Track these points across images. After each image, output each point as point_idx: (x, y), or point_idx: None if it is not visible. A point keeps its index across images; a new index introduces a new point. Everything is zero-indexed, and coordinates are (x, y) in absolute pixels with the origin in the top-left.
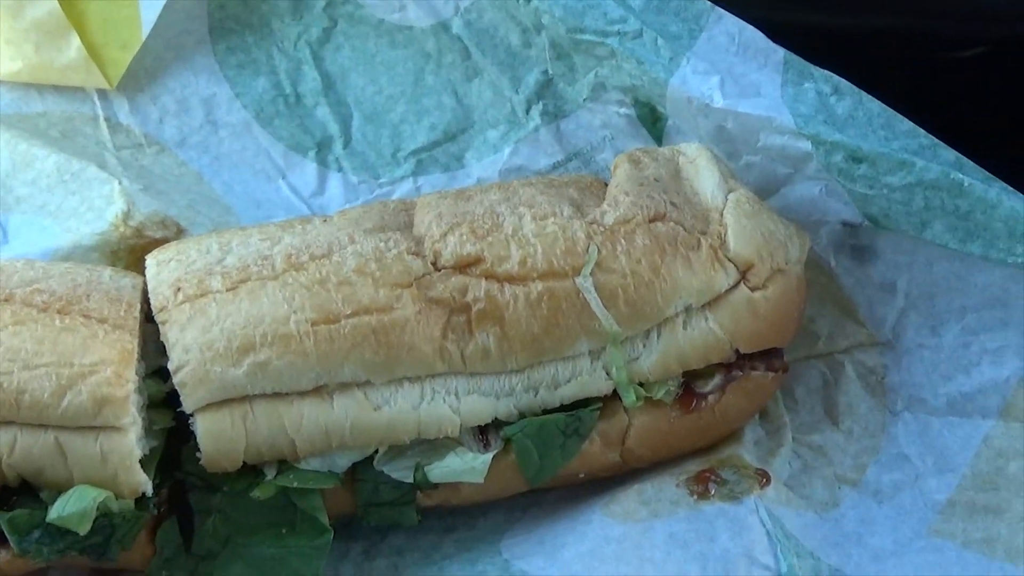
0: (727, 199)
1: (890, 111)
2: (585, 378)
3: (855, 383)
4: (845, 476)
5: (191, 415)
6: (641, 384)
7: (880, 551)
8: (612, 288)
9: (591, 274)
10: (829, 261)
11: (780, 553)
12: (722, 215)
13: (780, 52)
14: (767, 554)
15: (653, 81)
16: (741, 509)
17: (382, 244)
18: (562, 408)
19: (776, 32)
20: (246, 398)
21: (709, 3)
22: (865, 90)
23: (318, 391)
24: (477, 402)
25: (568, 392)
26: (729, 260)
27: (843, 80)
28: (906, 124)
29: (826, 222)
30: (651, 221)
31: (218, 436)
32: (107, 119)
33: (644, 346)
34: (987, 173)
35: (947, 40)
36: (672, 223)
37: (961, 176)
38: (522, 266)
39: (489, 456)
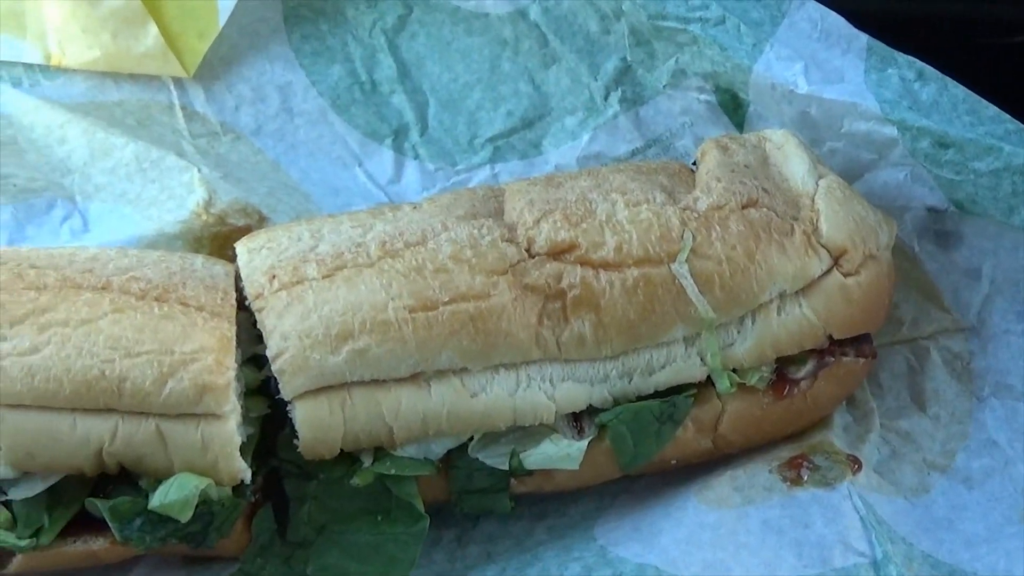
0: (818, 185)
1: (974, 96)
2: (680, 364)
3: (941, 369)
4: (934, 462)
5: (289, 402)
6: (735, 370)
7: (972, 537)
8: (708, 274)
9: (686, 260)
10: (913, 247)
11: (875, 539)
12: (813, 201)
13: (863, 38)
14: (862, 540)
15: (736, 67)
16: (834, 495)
17: (475, 231)
18: (656, 395)
19: (850, 20)
20: (344, 385)
21: None
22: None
23: (415, 378)
24: (572, 389)
25: (663, 378)
26: (822, 246)
27: (927, 66)
28: (991, 109)
29: (910, 208)
30: (744, 207)
31: (316, 423)
32: (183, 107)
33: (738, 332)
34: None
35: (1003, 23)
36: (765, 209)
37: None
38: (617, 252)
39: (584, 443)
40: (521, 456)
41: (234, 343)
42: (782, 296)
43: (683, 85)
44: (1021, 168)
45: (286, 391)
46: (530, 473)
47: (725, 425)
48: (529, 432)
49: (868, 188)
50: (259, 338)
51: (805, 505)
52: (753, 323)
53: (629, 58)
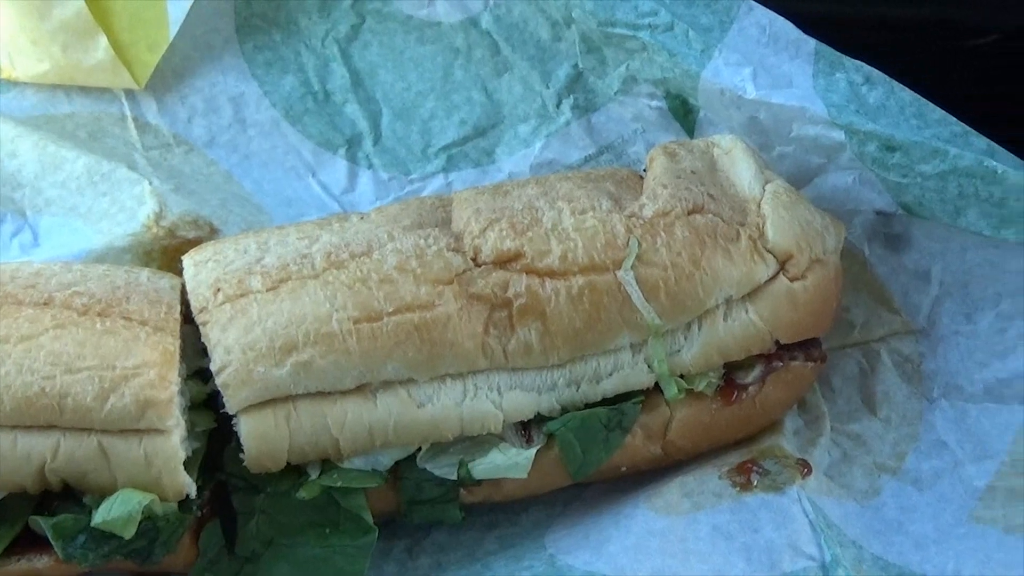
0: (764, 190)
1: (921, 100)
2: (627, 371)
3: (891, 371)
4: (884, 464)
5: (234, 416)
6: (682, 376)
7: (922, 538)
8: (653, 281)
9: (632, 267)
10: (863, 250)
11: (824, 543)
12: (760, 206)
13: (811, 43)
14: (811, 544)
15: (685, 73)
16: (784, 499)
17: (422, 241)
18: (604, 402)
19: (802, 24)
20: (289, 398)
21: None
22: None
23: (361, 389)
24: (520, 397)
25: (610, 386)
26: (768, 251)
27: (874, 70)
28: (937, 112)
29: (860, 211)
30: (690, 213)
31: (262, 437)
32: (135, 119)
33: (685, 338)
34: (1019, 160)
35: (962, 28)
36: (711, 215)
37: (995, 163)
38: (563, 261)
39: (533, 451)
40: (469, 466)
41: (177, 357)
42: (728, 302)
43: (634, 91)
44: (967, 170)
45: (230, 405)
46: (479, 483)
47: (674, 431)
48: (477, 442)
49: (817, 192)
50: (205, 352)
51: (754, 510)
52: (700, 329)
53: (580, 65)
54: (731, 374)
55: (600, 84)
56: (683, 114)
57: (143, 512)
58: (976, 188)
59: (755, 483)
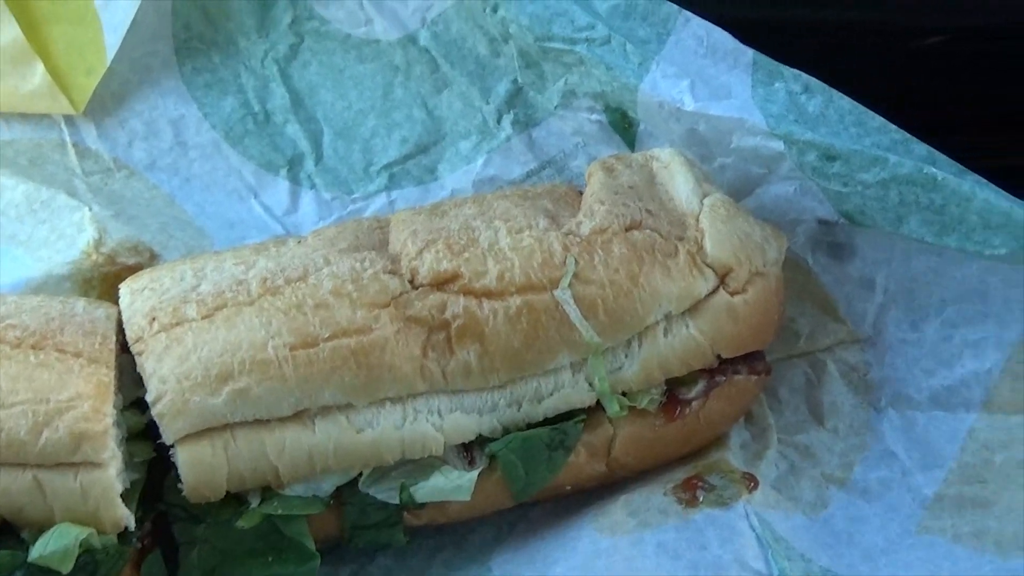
0: (703, 204)
1: (861, 107)
2: (568, 391)
3: (838, 381)
4: (832, 475)
5: (172, 446)
6: (624, 394)
7: (871, 550)
8: (591, 299)
9: (569, 286)
10: (807, 260)
11: (771, 557)
12: (698, 220)
13: (749, 53)
14: (758, 559)
15: (623, 87)
16: (730, 515)
17: (358, 264)
18: (546, 422)
19: (741, 28)
20: (227, 427)
21: (676, 6)
22: (833, 84)
23: (299, 416)
24: (460, 419)
25: (551, 405)
26: (707, 265)
27: (813, 78)
28: (877, 120)
29: (802, 221)
30: (628, 230)
31: (200, 466)
32: (75, 145)
33: (626, 356)
34: (960, 166)
35: (904, 31)
36: (648, 230)
37: (934, 170)
38: (500, 281)
39: (475, 473)
40: (412, 489)
41: (112, 389)
42: (668, 318)
43: (574, 106)
44: (907, 178)
45: (167, 435)
46: (423, 506)
47: (618, 449)
48: (420, 465)
49: (759, 203)
50: (142, 381)
51: (700, 527)
52: (640, 346)
53: (520, 80)
54: (674, 390)
55: (540, 99)
56: (623, 127)
57: (81, 545)
58: (916, 196)
59: (701, 499)
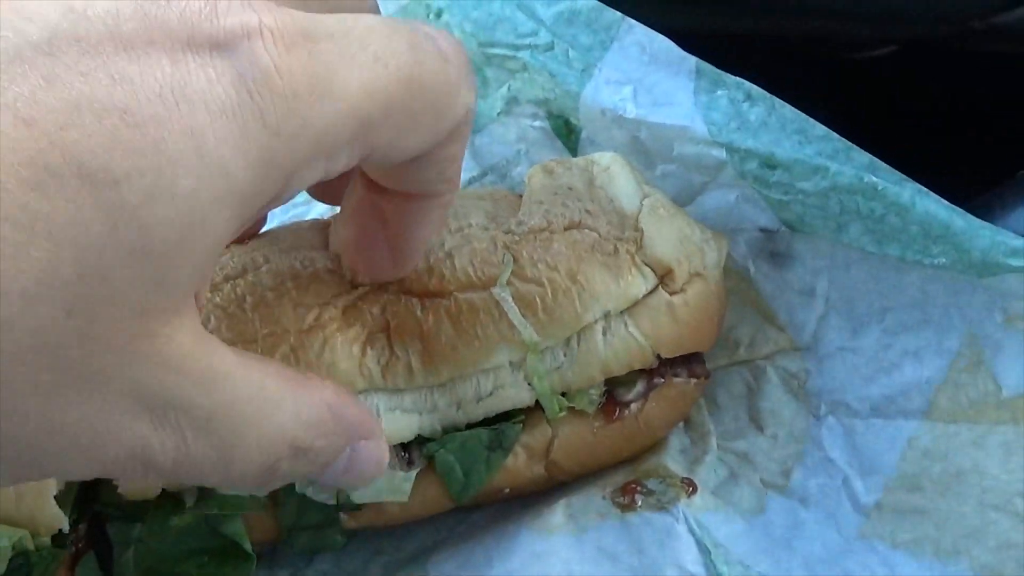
0: (642, 205)
1: (803, 116)
2: (508, 391)
3: (778, 388)
4: (771, 482)
5: None
6: (564, 394)
7: (809, 556)
8: (529, 297)
9: (507, 284)
10: (748, 268)
11: (709, 562)
12: (637, 220)
13: (691, 60)
14: (697, 563)
15: (566, 93)
16: (668, 519)
17: (298, 264)
18: (486, 422)
19: (687, 38)
20: None
21: (619, 14)
22: (776, 93)
23: None
24: (399, 419)
25: (492, 405)
26: (646, 265)
27: (755, 87)
28: (820, 128)
29: (744, 229)
30: (567, 229)
31: None
32: None
33: (565, 355)
34: (901, 175)
35: (856, 41)
36: (588, 230)
37: (875, 179)
38: (440, 279)
39: (413, 474)
40: (349, 490)
41: None
42: (607, 317)
43: (516, 112)
44: (847, 187)
45: None
46: (360, 507)
47: (557, 451)
48: None
49: (701, 210)
50: None
51: (639, 530)
52: (579, 344)
53: None
54: (612, 391)
55: (482, 105)
56: (566, 134)
57: (14, 548)
58: (857, 204)
59: (639, 503)
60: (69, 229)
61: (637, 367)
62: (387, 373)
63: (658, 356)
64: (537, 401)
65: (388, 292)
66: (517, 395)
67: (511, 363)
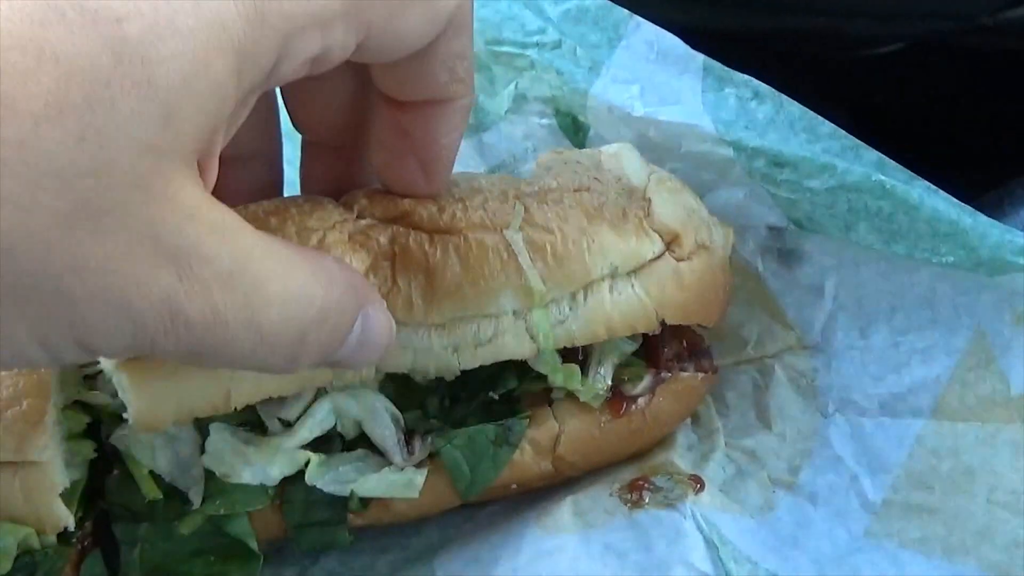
0: (649, 179)
1: (811, 114)
2: (508, 340)
3: (786, 387)
4: (779, 479)
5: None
6: (565, 354)
7: (817, 554)
8: (540, 243)
9: (520, 229)
10: (756, 265)
11: (718, 559)
12: (645, 191)
13: (699, 58)
14: (705, 560)
15: (573, 91)
16: (676, 516)
17: (301, 201)
18: (489, 418)
19: (695, 35)
20: None
21: (627, 12)
22: (784, 91)
23: None
24: (393, 352)
25: (489, 353)
26: (655, 231)
27: (763, 85)
28: (827, 126)
29: (752, 227)
30: (576, 191)
31: (146, 388)
32: None
33: (571, 309)
34: (910, 173)
35: (864, 38)
36: (597, 194)
37: (883, 178)
38: (451, 218)
39: (424, 472)
40: (359, 483)
41: (53, 387)
42: (614, 275)
43: (524, 110)
44: (855, 185)
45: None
46: (367, 504)
47: (564, 446)
48: (367, 462)
49: (709, 208)
50: (84, 380)
51: (646, 527)
52: (585, 300)
53: None
54: (619, 386)
55: (490, 103)
56: (574, 132)
57: (20, 546)
58: (865, 203)
59: (647, 500)
60: (76, 59)
61: (641, 329)
62: (388, 305)
63: (663, 322)
64: (543, 393)
65: (399, 224)
66: (517, 346)
67: (515, 312)
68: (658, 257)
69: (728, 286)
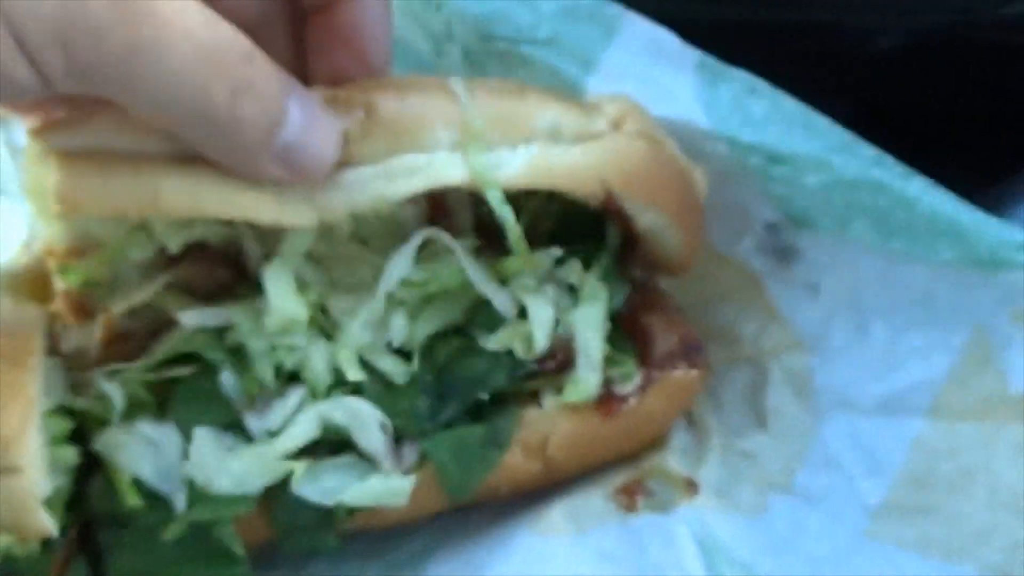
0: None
1: (808, 109)
2: (444, 168)
3: (782, 386)
4: (775, 481)
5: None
6: (515, 203)
7: (814, 556)
8: (480, 88)
9: (462, 81)
10: (752, 262)
11: (712, 563)
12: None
13: (695, 54)
14: (699, 566)
15: (568, 88)
16: (670, 520)
17: None
18: (475, 420)
19: (692, 28)
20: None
21: (621, 7)
22: (781, 86)
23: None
24: (330, 193)
25: (423, 180)
26: (603, 113)
27: (759, 80)
28: (824, 122)
29: (747, 224)
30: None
31: (71, 166)
32: (8, 144)
33: (511, 155)
34: (907, 169)
35: (863, 31)
36: None
37: (880, 174)
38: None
39: (411, 478)
40: (347, 492)
41: (33, 393)
42: (556, 137)
43: None
44: (852, 182)
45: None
46: (352, 514)
47: (554, 447)
48: (354, 468)
49: (707, 206)
50: (65, 386)
51: (640, 531)
52: (526, 148)
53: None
54: (610, 385)
55: None
56: None
57: (2, 554)
58: (862, 199)
59: (640, 504)
60: None
61: (585, 191)
62: None
63: (610, 191)
64: (531, 393)
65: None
66: (454, 172)
67: (452, 146)
68: (606, 134)
69: (692, 188)
